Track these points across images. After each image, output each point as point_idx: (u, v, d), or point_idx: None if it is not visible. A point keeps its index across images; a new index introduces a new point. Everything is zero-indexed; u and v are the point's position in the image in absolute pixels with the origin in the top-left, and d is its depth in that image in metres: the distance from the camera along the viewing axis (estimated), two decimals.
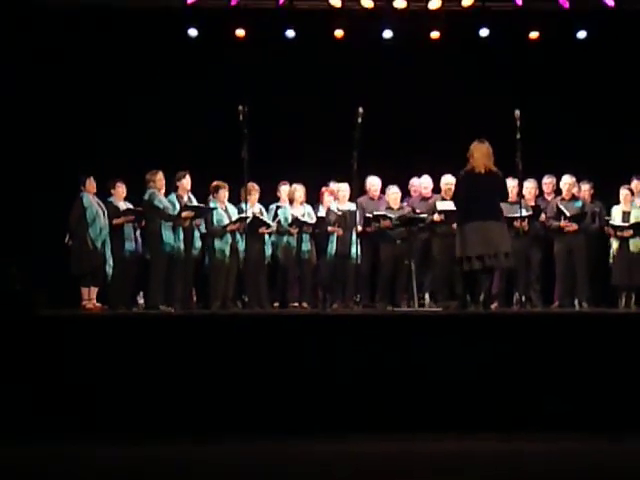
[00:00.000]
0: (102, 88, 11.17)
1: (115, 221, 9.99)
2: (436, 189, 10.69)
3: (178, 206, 10.00)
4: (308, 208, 10.68)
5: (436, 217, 10.20)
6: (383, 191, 10.77)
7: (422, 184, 10.77)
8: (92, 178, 10.01)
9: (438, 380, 6.44)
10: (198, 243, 10.22)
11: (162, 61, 11.30)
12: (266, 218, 10.45)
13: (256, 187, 10.43)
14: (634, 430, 6.14)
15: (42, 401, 6.29)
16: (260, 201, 10.59)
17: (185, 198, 10.15)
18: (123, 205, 10.15)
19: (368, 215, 10.39)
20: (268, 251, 10.50)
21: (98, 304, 9.82)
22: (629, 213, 10.49)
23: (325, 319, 7.53)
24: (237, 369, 6.46)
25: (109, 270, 9.88)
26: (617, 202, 10.60)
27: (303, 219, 10.46)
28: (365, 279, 10.54)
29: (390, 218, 10.32)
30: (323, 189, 10.79)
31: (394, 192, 10.63)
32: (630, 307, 10.25)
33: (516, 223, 9.77)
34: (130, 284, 10.14)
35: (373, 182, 10.75)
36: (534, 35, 11.36)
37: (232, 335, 6.65)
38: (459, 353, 6.50)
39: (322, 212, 10.60)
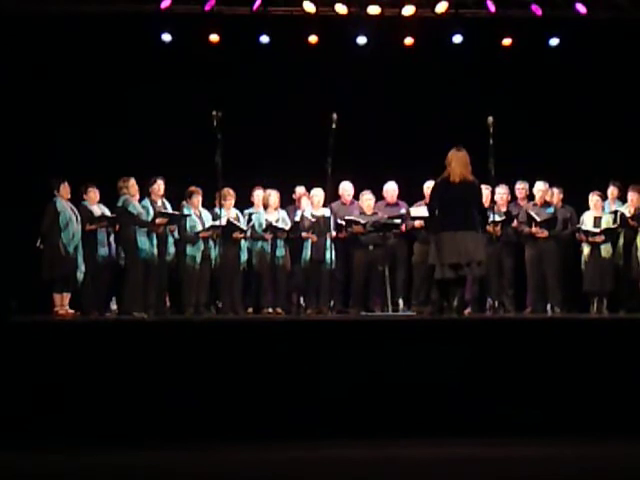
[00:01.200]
0: (75, 93, 11.12)
1: (88, 227, 9.94)
2: (407, 195, 10.72)
3: (152, 212, 9.96)
4: (282, 213, 10.68)
5: (416, 223, 10.21)
6: (356, 196, 10.80)
7: (387, 190, 10.80)
8: (66, 183, 9.95)
9: (412, 385, 6.46)
10: (172, 249, 10.19)
11: (136, 66, 11.26)
12: (242, 223, 10.44)
13: (231, 192, 10.41)
14: (608, 434, 6.19)
15: (14, 407, 6.25)
16: (234, 206, 10.57)
17: (159, 203, 10.12)
18: (97, 209, 10.10)
19: (340, 221, 10.41)
20: (244, 257, 10.48)
21: (70, 310, 9.75)
22: (600, 218, 10.57)
23: (299, 324, 7.53)
24: (211, 375, 6.44)
25: (80, 276, 9.82)
26: (587, 208, 10.68)
27: (277, 225, 10.46)
28: (339, 284, 10.55)
29: (362, 224, 10.34)
30: (298, 194, 10.80)
31: (368, 198, 10.66)
32: (602, 312, 10.32)
33: (489, 228, 9.82)
34: (103, 290, 10.08)
35: (346, 187, 10.78)
36: (507, 42, 11.41)
37: (206, 341, 6.64)
38: (432, 358, 6.52)
39: (297, 217, 10.61)
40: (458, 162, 8.42)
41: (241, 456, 5.92)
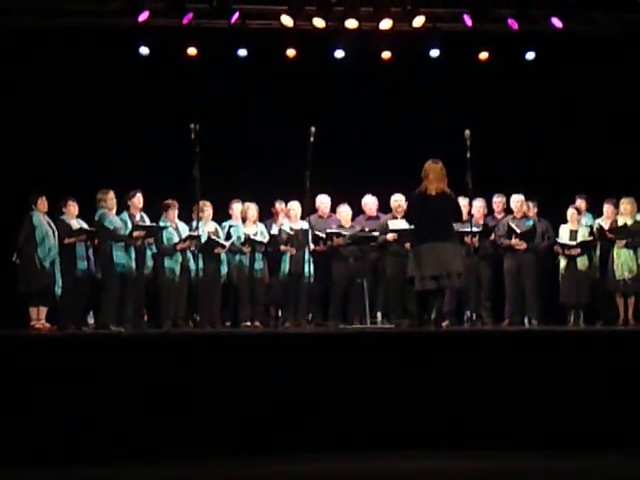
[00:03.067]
0: (53, 106, 11.10)
1: (66, 240, 9.89)
2: (385, 207, 10.75)
3: (130, 225, 9.94)
4: (261, 227, 10.68)
5: (389, 237, 10.24)
6: (334, 209, 10.81)
7: (367, 204, 10.82)
8: (44, 197, 9.91)
9: (389, 398, 6.45)
10: (150, 262, 10.16)
11: (113, 79, 11.24)
12: (221, 237, 10.42)
13: (208, 204, 10.39)
14: (584, 447, 6.20)
15: None
16: (212, 219, 10.55)
17: (137, 217, 10.10)
18: (76, 223, 10.05)
19: (317, 233, 10.40)
20: (224, 270, 10.46)
21: (47, 324, 9.69)
22: (576, 232, 10.63)
23: (277, 338, 7.51)
24: (189, 389, 6.41)
25: (58, 290, 9.76)
26: (564, 221, 10.74)
27: (256, 238, 10.45)
28: (318, 297, 10.54)
29: (343, 236, 10.35)
30: (276, 207, 10.80)
31: (345, 210, 10.67)
32: (579, 324, 10.38)
33: (467, 239, 9.86)
34: (80, 304, 10.03)
35: (323, 200, 10.79)
36: (484, 56, 11.48)
37: (184, 355, 6.61)
38: (410, 371, 6.51)
39: (275, 230, 10.61)
40: (435, 175, 8.47)
41: (220, 470, 5.90)
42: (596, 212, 10.85)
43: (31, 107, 11.05)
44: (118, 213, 10.03)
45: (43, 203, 9.90)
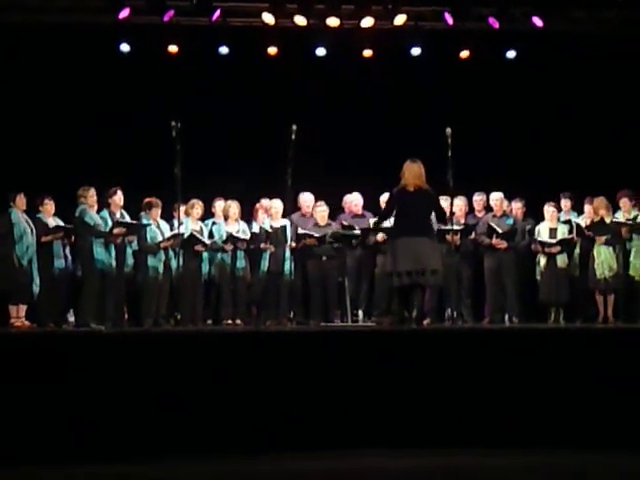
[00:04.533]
0: (33, 104, 11.04)
1: (44, 238, 9.84)
2: (369, 206, 10.75)
3: (110, 222, 9.90)
4: (243, 225, 10.66)
5: (379, 237, 10.23)
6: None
7: (352, 201, 10.83)
8: (22, 195, 9.86)
9: (371, 396, 6.46)
10: (130, 260, 10.13)
11: (94, 77, 11.20)
12: (205, 235, 10.40)
13: (200, 204, 10.40)
14: (566, 445, 6.23)
15: None
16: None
17: (118, 214, 10.06)
18: (52, 221, 10.01)
19: (300, 231, 10.41)
20: (205, 268, 10.44)
21: (27, 322, 9.64)
22: (556, 230, 10.67)
23: (259, 336, 7.50)
24: (170, 387, 6.40)
25: (35, 289, 9.71)
26: (542, 219, 10.78)
27: (238, 236, 10.44)
28: (299, 296, 10.54)
29: (314, 237, 10.33)
30: (257, 206, 10.79)
31: (322, 209, 10.67)
32: (559, 322, 10.42)
33: (448, 238, 9.88)
34: (60, 302, 9.99)
35: (306, 199, 10.78)
36: (465, 54, 11.52)
37: (165, 353, 6.59)
38: (392, 369, 6.52)
39: (256, 228, 10.59)
40: (411, 173, 8.51)
41: (198, 470, 5.89)
42: (580, 212, 10.90)
43: (10, 104, 10.98)
44: (98, 211, 9.99)
45: (22, 201, 9.85)
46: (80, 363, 6.43)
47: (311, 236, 10.35)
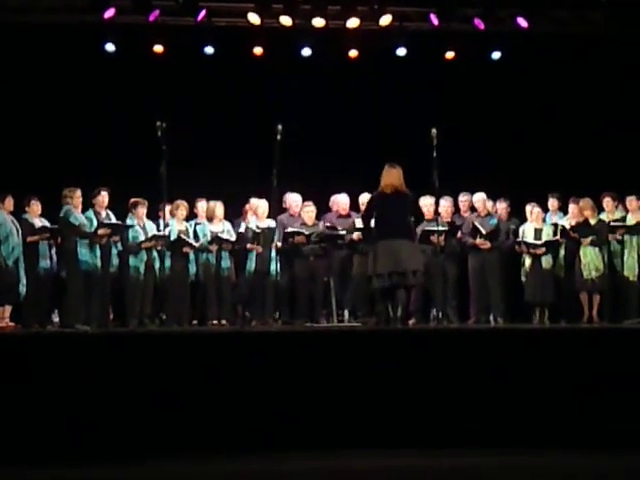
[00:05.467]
0: (18, 104, 11.00)
1: (29, 238, 9.80)
2: (355, 206, 10.76)
3: (95, 223, 9.88)
4: (227, 225, 10.65)
5: (355, 235, 10.25)
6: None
7: (339, 201, 10.83)
8: (10, 196, 9.83)
9: (357, 396, 6.46)
10: (115, 260, 10.11)
11: (79, 76, 11.17)
12: (190, 235, 10.38)
13: (185, 204, 10.39)
14: (550, 445, 6.24)
15: None
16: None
17: (103, 215, 10.04)
18: (38, 222, 9.98)
19: (287, 231, 10.41)
20: (192, 269, 10.42)
21: (11, 323, 9.60)
22: (541, 230, 10.70)
23: (244, 336, 7.50)
24: (156, 388, 6.38)
25: (22, 289, 9.67)
26: (526, 219, 10.81)
27: (222, 236, 10.43)
28: (284, 296, 10.53)
29: (304, 234, 10.34)
30: (246, 206, 10.78)
31: (309, 209, 10.67)
32: (544, 322, 10.45)
33: (433, 238, 9.90)
34: (45, 302, 9.96)
35: (294, 199, 10.77)
36: (450, 55, 11.55)
37: (150, 354, 6.57)
38: (377, 369, 6.53)
39: (242, 229, 10.59)
40: (389, 176, 8.62)
41: (181, 471, 5.88)
42: (566, 211, 10.94)
43: None
44: (84, 212, 9.96)
45: (9, 202, 9.84)
46: (65, 364, 6.41)
47: (300, 234, 10.34)
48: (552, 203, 10.97)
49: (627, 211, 10.59)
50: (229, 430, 6.31)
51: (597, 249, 10.47)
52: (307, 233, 10.35)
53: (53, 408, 6.26)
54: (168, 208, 9.90)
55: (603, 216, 10.62)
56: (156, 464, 5.95)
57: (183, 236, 10.22)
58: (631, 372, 6.55)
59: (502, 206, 10.93)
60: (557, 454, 6.08)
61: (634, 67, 11.34)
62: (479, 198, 10.77)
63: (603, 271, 10.44)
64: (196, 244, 10.31)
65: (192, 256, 10.46)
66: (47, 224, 9.97)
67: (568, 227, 10.58)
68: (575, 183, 10.91)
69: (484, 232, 10.47)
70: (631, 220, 10.44)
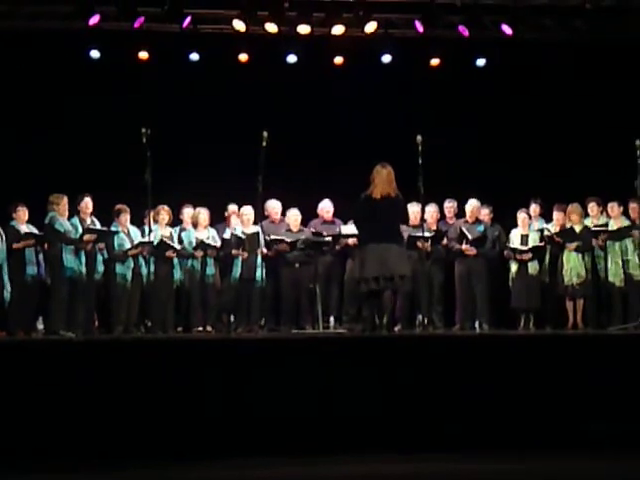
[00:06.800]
0: (3, 110, 10.95)
1: (15, 245, 9.76)
2: (341, 212, 10.76)
3: (81, 229, 9.85)
4: (212, 231, 10.64)
5: (350, 241, 10.23)
6: (284, 214, 10.81)
7: (323, 208, 10.84)
8: None
9: (341, 402, 6.46)
10: (101, 267, 10.08)
11: (64, 83, 11.14)
12: (174, 241, 10.36)
13: (167, 209, 10.37)
14: (532, 449, 6.26)
15: None
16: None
17: (88, 221, 10.01)
18: (25, 228, 9.93)
19: (268, 238, 10.41)
20: (177, 275, 10.40)
21: None
22: (527, 236, 10.73)
23: (229, 343, 7.49)
24: (141, 395, 6.37)
25: (7, 295, 9.63)
26: (514, 225, 10.84)
27: (208, 242, 10.41)
28: (270, 302, 10.52)
29: (286, 242, 10.33)
30: (229, 212, 10.78)
31: (294, 215, 10.67)
32: (529, 329, 10.47)
33: (419, 244, 9.91)
34: (30, 309, 9.90)
35: (274, 205, 10.77)
36: (435, 62, 11.59)
37: (135, 360, 6.56)
38: (363, 375, 6.53)
39: (227, 235, 10.58)
40: (380, 178, 8.51)
41: (161, 477, 5.87)
42: (549, 218, 10.97)
43: None
44: (69, 218, 9.93)
45: None
46: (50, 371, 6.39)
47: (282, 241, 10.35)
48: (534, 209, 11.00)
49: (609, 217, 10.63)
50: (214, 436, 6.30)
51: (580, 255, 10.51)
52: (289, 241, 10.35)
53: (37, 415, 6.23)
54: (152, 214, 9.88)
55: (588, 221, 10.66)
56: (138, 471, 5.93)
57: (166, 239, 10.19)
58: (615, 378, 6.58)
59: (485, 212, 10.95)
60: (542, 458, 6.10)
61: (618, 74, 11.39)
62: (471, 204, 10.79)
63: (585, 277, 10.48)
64: (178, 247, 10.27)
65: (176, 262, 10.43)
66: (34, 230, 9.92)
67: (553, 233, 10.62)
68: (559, 189, 10.96)
69: (470, 238, 10.49)
70: (613, 226, 10.49)
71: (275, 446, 6.27)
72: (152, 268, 9.87)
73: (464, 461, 6.06)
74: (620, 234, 10.41)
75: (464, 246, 10.54)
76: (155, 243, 10.05)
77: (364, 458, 6.11)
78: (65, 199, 9.88)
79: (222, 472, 5.93)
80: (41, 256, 9.98)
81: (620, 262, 10.43)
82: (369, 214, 8.49)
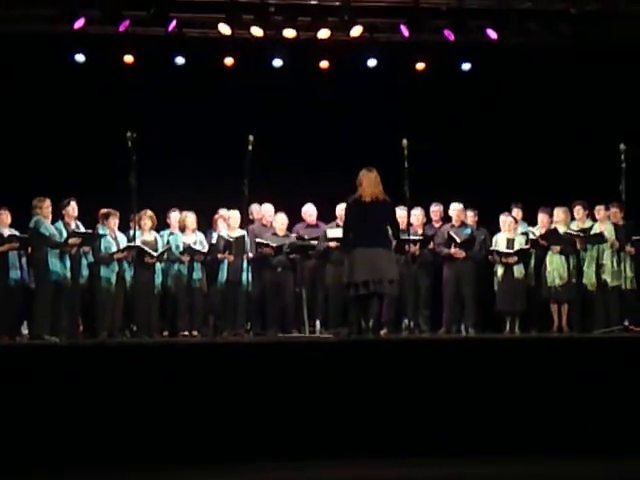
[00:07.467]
0: None
1: None
2: (324, 216, 10.77)
3: (65, 233, 9.81)
4: (200, 236, 10.63)
5: (332, 244, 10.25)
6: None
7: (307, 212, 10.83)
8: None
9: (329, 406, 6.45)
10: (85, 271, 10.04)
11: (48, 87, 11.11)
12: (160, 246, 10.33)
13: (150, 214, 10.33)
14: (520, 453, 6.26)
15: None
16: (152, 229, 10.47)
17: (72, 225, 9.97)
18: (8, 232, 9.88)
19: (259, 241, 10.40)
20: (158, 279, 10.37)
21: None
22: (513, 240, 10.76)
23: (215, 347, 7.47)
24: (126, 399, 6.34)
25: None
26: (498, 230, 10.86)
27: (195, 247, 10.40)
28: (256, 306, 10.51)
29: (271, 246, 10.33)
30: (216, 216, 10.77)
31: (281, 219, 10.67)
32: (514, 332, 10.50)
33: (406, 248, 9.91)
34: (14, 314, 9.85)
35: (267, 209, 10.78)
36: (420, 66, 11.62)
37: (120, 365, 6.53)
38: (349, 379, 6.53)
39: (214, 239, 10.57)
40: (369, 182, 8.50)
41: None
42: (531, 221, 11.00)
43: None
44: (53, 222, 9.88)
45: None
46: (35, 376, 6.36)
47: (267, 245, 10.34)
48: (516, 212, 11.03)
49: (595, 220, 10.68)
50: (201, 442, 6.28)
51: (563, 258, 10.54)
52: (274, 245, 10.34)
53: (20, 420, 6.20)
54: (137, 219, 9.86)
55: (574, 225, 10.70)
56: (122, 476, 5.91)
57: (142, 246, 10.13)
58: (600, 380, 6.59)
59: (470, 215, 10.97)
60: (529, 462, 6.10)
61: (602, 78, 11.44)
62: (456, 208, 10.81)
63: (568, 280, 10.52)
64: (155, 253, 10.22)
65: (163, 267, 10.40)
66: (17, 234, 9.87)
67: (538, 235, 10.65)
68: (544, 193, 10.99)
69: (459, 241, 10.51)
70: (596, 229, 10.52)
71: (264, 451, 6.25)
72: (133, 273, 9.83)
73: (453, 465, 6.05)
74: (595, 239, 10.45)
75: (453, 250, 10.56)
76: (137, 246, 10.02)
77: (353, 462, 6.10)
78: (48, 202, 9.82)
79: (210, 478, 5.91)
80: (24, 260, 9.94)
81: (594, 267, 10.48)
82: (358, 217, 8.48)
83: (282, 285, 10.50)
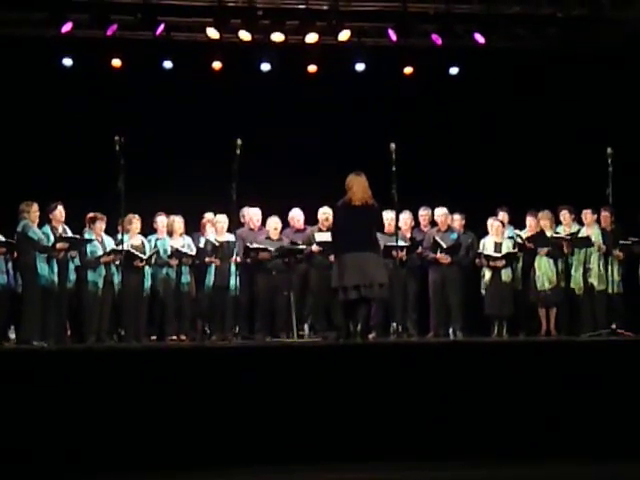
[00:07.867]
0: None
1: None
2: (312, 220, 10.77)
3: (52, 237, 9.77)
4: (188, 240, 10.61)
5: (314, 248, 10.27)
6: (263, 222, 10.79)
7: (294, 216, 10.83)
8: None
9: (316, 410, 6.45)
10: (73, 276, 10.00)
11: (36, 91, 11.07)
12: (147, 250, 10.31)
13: (137, 218, 10.31)
14: (509, 457, 6.27)
15: None
16: (139, 233, 10.44)
17: (60, 229, 9.94)
18: None
19: (248, 245, 10.38)
20: (147, 283, 10.35)
21: None
22: (501, 244, 10.78)
23: (203, 352, 7.46)
24: (113, 404, 6.33)
25: None
26: (485, 233, 10.88)
27: (183, 251, 10.38)
28: (244, 310, 10.50)
29: (269, 250, 10.33)
30: (204, 220, 10.76)
31: (274, 223, 10.66)
32: (502, 335, 10.52)
33: (394, 253, 9.92)
34: (1, 318, 9.81)
35: (254, 213, 10.77)
36: (408, 70, 11.63)
37: (108, 370, 6.51)
38: (337, 383, 6.52)
39: (202, 243, 10.55)
40: (358, 186, 8.51)
41: None
42: (517, 225, 11.03)
43: None
44: (40, 226, 9.85)
45: None
46: (22, 381, 6.33)
47: (265, 250, 10.33)
48: (502, 216, 11.06)
49: (583, 224, 10.71)
50: (189, 445, 6.27)
51: (552, 261, 10.58)
52: (272, 249, 10.34)
53: (9, 426, 6.17)
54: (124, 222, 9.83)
55: (560, 229, 10.73)
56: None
57: (132, 249, 10.12)
58: (588, 384, 6.61)
59: (457, 219, 10.99)
60: (517, 465, 6.11)
61: (589, 82, 11.49)
62: (441, 213, 10.83)
63: (557, 283, 10.55)
64: (144, 256, 10.20)
65: (151, 271, 10.38)
66: (2, 239, 9.84)
67: (525, 238, 10.68)
68: (531, 197, 11.03)
69: (444, 246, 10.53)
70: (584, 233, 10.56)
71: (251, 454, 6.25)
72: (121, 277, 9.81)
73: (441, 469, 6.07)
74: (582, 243, 10.49)
75: (438, 255, 10.57)
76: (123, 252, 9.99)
77: (341, 466, 6.10)
78: (36, 206, 9.79)
79: None
80: (10, 265, 9.91)
81: (582, 270, 10.52)
82: (348, 221, 8.49)
83: (274, 289, 10.50)
